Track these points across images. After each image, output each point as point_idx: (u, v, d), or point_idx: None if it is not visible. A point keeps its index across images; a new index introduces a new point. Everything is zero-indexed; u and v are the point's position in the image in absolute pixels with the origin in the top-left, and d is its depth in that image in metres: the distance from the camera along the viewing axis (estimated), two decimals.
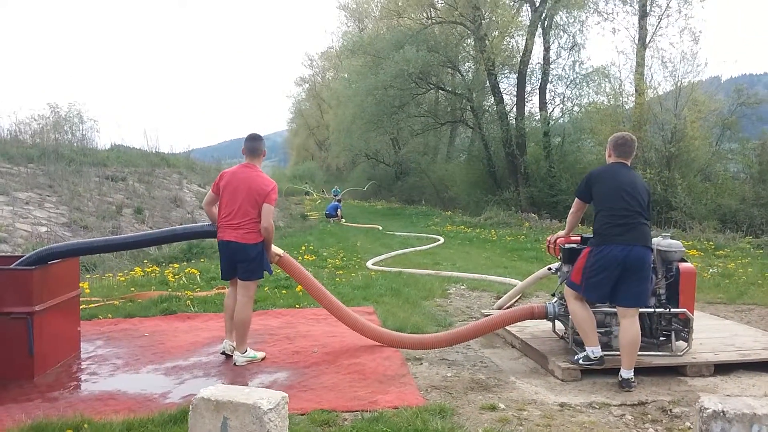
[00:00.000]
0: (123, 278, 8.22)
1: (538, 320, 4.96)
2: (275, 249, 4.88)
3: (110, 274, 8.62)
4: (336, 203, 22.27)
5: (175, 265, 9.58)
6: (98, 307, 6.50)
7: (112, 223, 11.64)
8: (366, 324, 5.10)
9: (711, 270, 9.29)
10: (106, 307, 6.55)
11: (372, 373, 4.39)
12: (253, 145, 4.81)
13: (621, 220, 4.10)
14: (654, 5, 19.71)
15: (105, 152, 17.46)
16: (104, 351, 5.02)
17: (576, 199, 4.51)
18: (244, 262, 4.62)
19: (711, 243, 12.64)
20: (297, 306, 6.68)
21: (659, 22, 19.62)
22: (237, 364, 4.60)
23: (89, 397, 3.97)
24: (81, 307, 5.40)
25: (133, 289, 7.48)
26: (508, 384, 4.23)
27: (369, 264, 10.04)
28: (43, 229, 10.26)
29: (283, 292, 7.33)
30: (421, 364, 4.71)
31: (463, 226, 18.84)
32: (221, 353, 4.80)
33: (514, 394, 4.01)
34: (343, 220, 21.22)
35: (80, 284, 5.26)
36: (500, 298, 7.48)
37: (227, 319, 4.82)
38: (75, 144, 17.13)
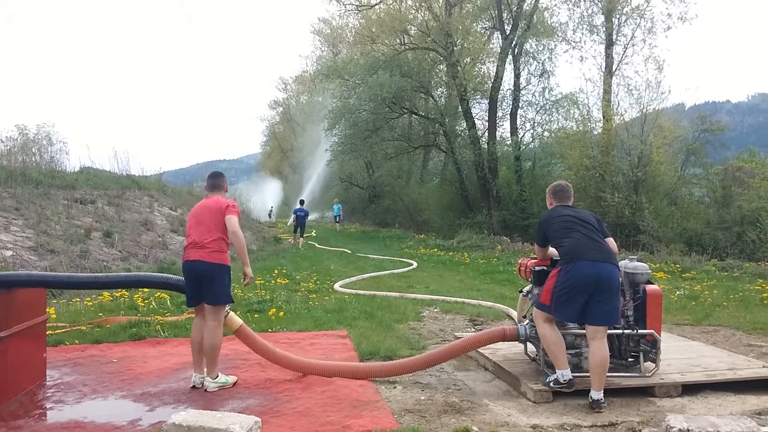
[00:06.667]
0: (90, 303, 8.04)
1: (510, 342, 5.00)
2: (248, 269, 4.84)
3: (77, 299, 8.42)
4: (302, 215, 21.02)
5: (145, 290, 9.40)
6: (65, 333, 6.34)
7: (80, 247, 11.41)
8: (340, 365, 5.01)
9: (678, 292, 9.50)
10: (73, 332, 6.39)
11: (345, 397, 4.37)
12: (215, 182, 4.99)
13: (583, 240, 4.30)
14: (620, 35, 20.40)
15: (74, 174, 17.15)
16: (71, 378, 4.90)
17: (536, 246, 4.89)
18: (209, 281, 4.55)
19: (678, 266, 12.95)
20: (269, 330, 6.62)
21: (625, 51, 20.31)
22: (208, 389, 4.53)
23: (55, 425, 3.86)
24: (47, 333, 5.27)
25: (101, 314, 7.33)
26: (482, 406, 4.25)
27: (336, 286, 10.05)
28: (9, 253, 10.00)
29: (255, 316, 7.26)
30: (395, 387, 4.71)
31: (436, 249, 18.93)
32: (191, 387, 4.66)
33: (487, 417, 4.03)
34: (301, 240, 20.72)
35: (46, 309, 5.15)
36: (473, 320, 7.54)
37: (195, 353, 4.72)
38: (43, 166, 16.82)
